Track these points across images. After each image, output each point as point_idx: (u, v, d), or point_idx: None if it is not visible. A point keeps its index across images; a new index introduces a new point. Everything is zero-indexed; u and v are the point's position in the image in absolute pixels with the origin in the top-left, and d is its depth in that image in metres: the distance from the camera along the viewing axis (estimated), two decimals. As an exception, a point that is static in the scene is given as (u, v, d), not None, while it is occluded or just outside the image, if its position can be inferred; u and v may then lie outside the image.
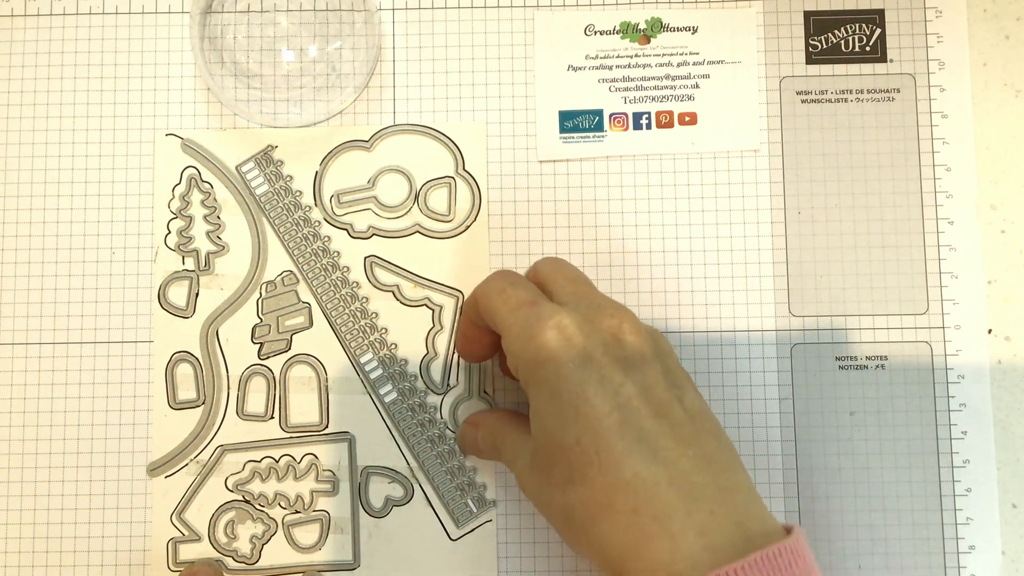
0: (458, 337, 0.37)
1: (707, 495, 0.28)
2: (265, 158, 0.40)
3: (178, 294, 0.39)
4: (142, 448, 0.38)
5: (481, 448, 0.37)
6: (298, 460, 0.38)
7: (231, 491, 0.38)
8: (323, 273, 0.39)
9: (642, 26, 0.40)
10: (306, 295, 0.39)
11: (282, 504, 0.38)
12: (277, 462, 0.38)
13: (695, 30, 0.40)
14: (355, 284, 0.39)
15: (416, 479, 0.38)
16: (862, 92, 0.40)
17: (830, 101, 0.40)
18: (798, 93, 0.40)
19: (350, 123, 0.40)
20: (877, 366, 0.39)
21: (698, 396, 0.32)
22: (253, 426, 0.39)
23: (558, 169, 0.40)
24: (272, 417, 0.39)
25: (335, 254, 0.39)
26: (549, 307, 0.31)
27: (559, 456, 0.30)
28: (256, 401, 0.39)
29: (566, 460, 0.30)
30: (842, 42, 0.40)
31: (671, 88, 0.40)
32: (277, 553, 0.38)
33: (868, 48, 0.40)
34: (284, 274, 0.39)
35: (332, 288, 0.39)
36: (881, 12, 0.40)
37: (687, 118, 0.40)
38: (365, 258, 0.39)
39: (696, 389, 0.32)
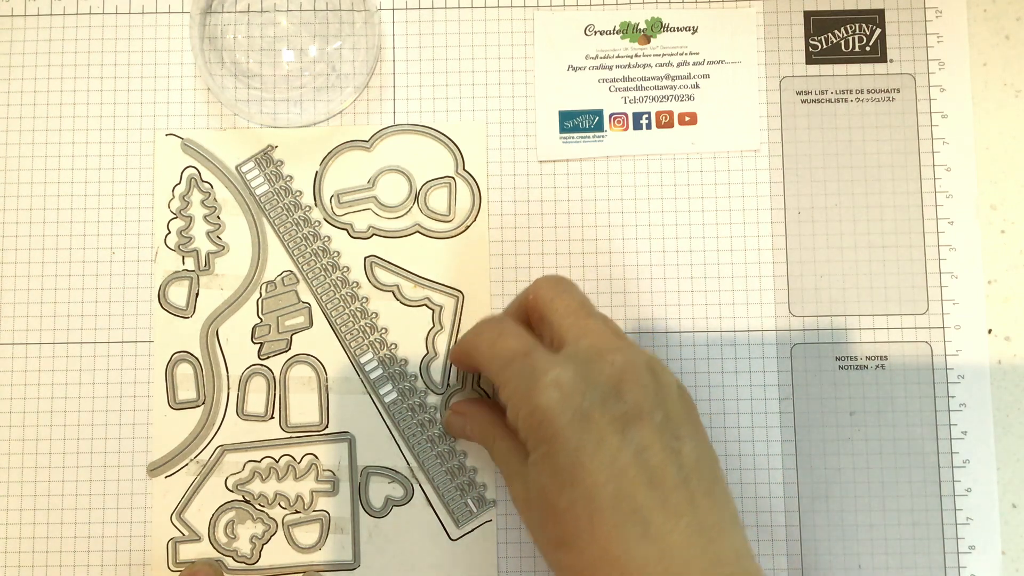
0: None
1: (696, 569, 0.28)
2: (265, 158, 0.40)
3: (178, 294, 0.39)
4: (142, 448, 0.38)
5: (471, 437, 0.37)
6: (298, 460, 0.38)
7: (231, 491, 0.38)
8: (323, 273, 0.39)
9: (642, 26, 0.40)
10: (306, 295, 0.39)
11: (282, 504, 0.38)
12: (277, 462, 0.38)
13: (695, 30, 0.40)
14: (355, 284, 0.39)
15: (416, 479, 0.38)
16: (862, 92, 0.40)
17: (830, 101, 0.40)
18: (798, 93, 0.40)
19: (350, 123, 0.40)
20: (877, 366, 0.39)
21: (697, 441, 0.31)
22: (253, 426, 0.39)
23: (558, 169, 0.40)
24: (272, 417, 0.39)
25: (335, 254, 0.39)
26: (543, 359, 0.31)
27: (552, 515, 0.30)
28: (256, 401, 0.39)
29: (558, 521, 0.30)
30: (842, 42, 0.40)
31: (671, 88, 0.40)
32: (277, 553, 0.38)
33: (868, 48, 0.40)
34: (284, 274, 0.39)
35: (332, 288, 0.39)
36: (881, 12, 0.40)
37: (687, 118, 0.40)
38: (365, 258, 0.39)
39: (695, 426, 0.32)
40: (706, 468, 0.31)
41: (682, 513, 0.29)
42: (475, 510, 0.38)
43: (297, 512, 0.38)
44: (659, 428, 0.30)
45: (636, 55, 0.40)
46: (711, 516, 0.30)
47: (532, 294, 0.34)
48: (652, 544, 0.28)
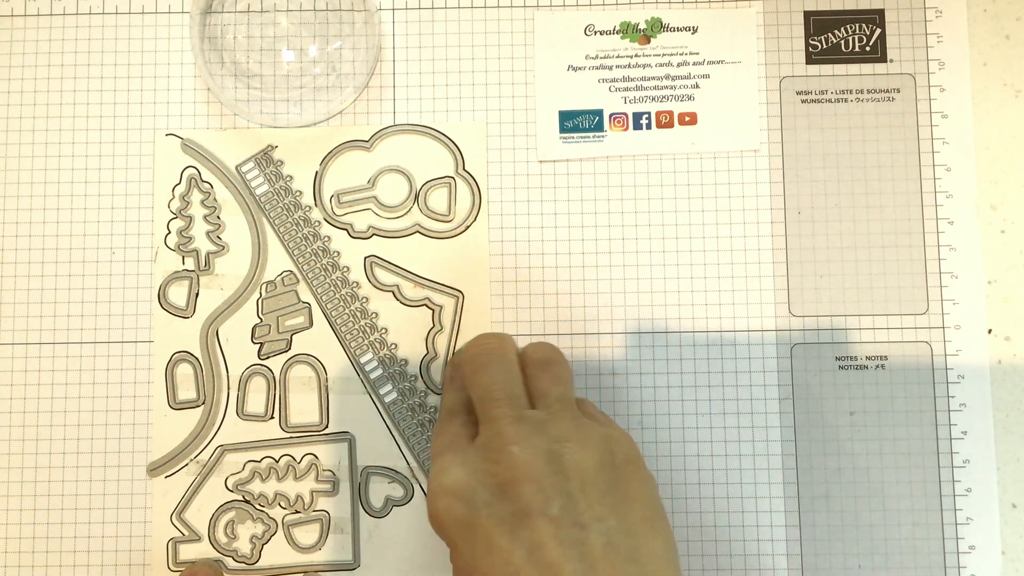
0: None
1: None
2: (265, 158, 0.40)
3: (178, 294, 0.39)
4: (142, 448, 0.38)
5: None
6: (298, 460, 0.38)
7: (231, 491, 0.38)
8: (323, 273, 0.39)
9: (642, 26, 0.40)
10: (306, 295, 0.39)
11: (282, 504, 0.38)
12: (277, 462, 0.38)
13: (695, 30, 0.40)
14: (355, 284, 0.39)
15: (416, 479, 0.38)
16: (862, 92, 0.40)
17: (830, 101, 0.40)
18: (798, 93, 0.40)
19: (350, 123, 0.40)
20: (877, 366, 0.39)
21: (612, 520, 0.30)
22: (253, 426, 0.39)
23: (558, 169, 0.40)
24: (272, 417, 0.39)
25: (335, 254, 0.39)
26: (445, 460, 0.32)
27: None
28: (256, 401, 0.39)
29: None
30: (842, 42, 0.40)
31: (671, 88, 0.40)
32: (277, 553, 0.38)
33: (868, 48, 0.40)
34: (284, 274, 0.39)
35: (332, 288, 0.39)
36: (881, 12, 0.40)
37: (687, 118, 0.40)
38: (365, 258, 0.39)
39: (616, 501, 0.30)
40: (620, 549, 0.29)
41: None
42: (475, 510, 0.38)
43: (297, 512, 0.38)
44: (555, 521, 0.29)
45: (636, 55, 0.40)
46: None
47: (460, 364, 0.35)
48: None
